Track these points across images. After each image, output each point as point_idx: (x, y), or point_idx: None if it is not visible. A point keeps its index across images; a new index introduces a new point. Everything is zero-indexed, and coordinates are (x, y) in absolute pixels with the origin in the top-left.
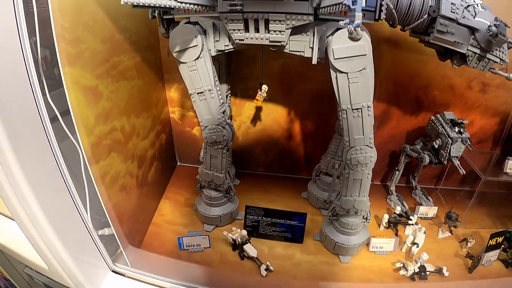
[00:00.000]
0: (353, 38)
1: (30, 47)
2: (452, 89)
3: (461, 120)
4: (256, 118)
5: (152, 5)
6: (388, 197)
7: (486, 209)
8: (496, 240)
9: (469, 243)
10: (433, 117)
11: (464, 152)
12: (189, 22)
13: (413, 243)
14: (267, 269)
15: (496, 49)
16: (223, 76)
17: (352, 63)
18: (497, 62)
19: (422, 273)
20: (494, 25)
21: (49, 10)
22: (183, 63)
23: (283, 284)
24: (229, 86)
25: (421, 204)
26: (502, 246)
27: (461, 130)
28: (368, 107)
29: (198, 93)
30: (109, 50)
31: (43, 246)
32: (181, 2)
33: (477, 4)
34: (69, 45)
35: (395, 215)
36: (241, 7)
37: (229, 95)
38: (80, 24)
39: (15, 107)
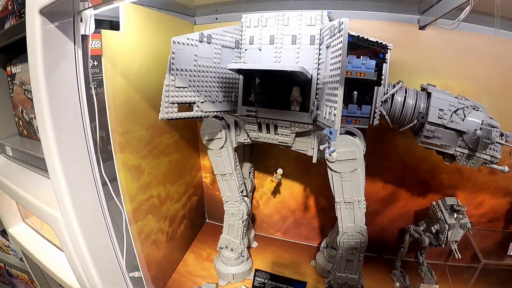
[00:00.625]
0: (328, 160)
1: (90, 129)
2: (460, 172)
3: (460, 208)
4: (275, 191)
5: (184, 117)
6: (393, 272)
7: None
8: None
9: None
10: (434, 203)
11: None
12: (216, 117)
13: None
14: None
15: (488, 148)
16: (247, 156)
17: (345, 165)
18: (487, 160)
19: None
20: (480, 128)
21: (105, 101)
22: (210, 149)
23: None
24: (252, 164)
25: (422, 281)
26: None
27: (460, 216)
28: (359, 201)
29: (221, 175)
30: (151, 135)
31: (83, 276)
32: (207, 112)
33: (467, 107)
34: (121, 137)
35: None
36: (255, 113)
37: (253, 171)
38: (129, 119)
39: (77, 172)
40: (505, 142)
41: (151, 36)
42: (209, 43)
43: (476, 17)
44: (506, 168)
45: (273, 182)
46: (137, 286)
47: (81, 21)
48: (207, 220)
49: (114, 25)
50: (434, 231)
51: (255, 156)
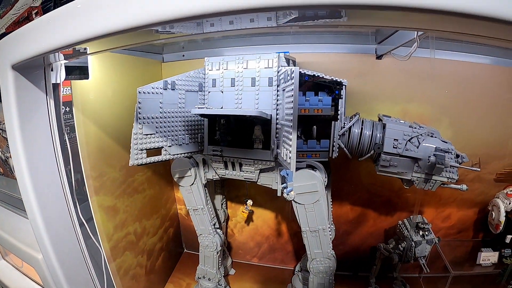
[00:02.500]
0: (286, 199)
1: (66, 173)
2: (424, 189)
3: (424, 225)
4: (249, 219)
5: (153, 162)
6: None
7: None
8: None
9: None
10: (400, 222)
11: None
12: (186, 156)
13: None
14: None
15: (443, 171)
16: (218, 188)
17: (307, 197)
18: (444, 181)
19: None
20: (434, 155)
21: (78, 146)
22: (181, 186)
23: None
24: (224, 196)
25: None
26: None
27: (426, 233)
28: (323, 229)
29: (193, 209)
30: (125, 175)
31: None
32: (175, 154)
33: (421, 134)
34: (95, 180)
35: None
36: (221, 152)
37: (225, 202)
38: (102, 162)
39: (55, 213)
40: (460, 163)
41: (120, 78)
42: (173, 89)
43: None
44: (464, 187)
45: (244, 213)
46: None
47: (52, 70)
48: (185, 250)
49: (83, 72)
50: (401, 248)
51: (226, 187)
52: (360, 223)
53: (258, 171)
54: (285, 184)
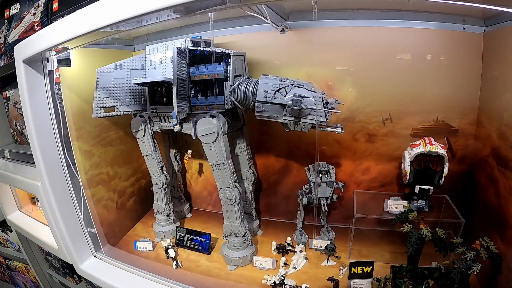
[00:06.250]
0: (175, 131)
1: (57, 128)
2: (338, 143)
3: (323, 169)
4: (200, 170)
5: (109, 115)
6: (294, 232)
7: (380, 245)
8: (363, 269)
9: (341, 270)
10: (306, 167)
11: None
12: (140, 116)
13: (294, 267)
14: (176, 265)
15: (309, 114)
16: (172, 143)
17: (209, 137)
18: (313, 123)
19: (283, 286)
20: (292, 99)
21: (64, 110)
22: (137, 138)
23: (181, 274)
24: (177, 150)
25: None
26: (378, 277)
27: (326, 176)
28: (223, 163)
29: (145, 155)
30: (99, 131)
31: (58, 235)
32: (123, 112)
33: (287, 86)
34: (76, 131)
35: (285, 243)
36: (156, 110)
37: (179, 155)
38: (81, 120)
39: (50, 153)
40: (332, 108)
41: (98, 65)
42: (121, 69)
43: (327, 14)
44: (339, 130)
45: (186, 160)
46: (94, 240)
47: (48, 61)
48: None
49: (67, 63)
50: (304, 190)
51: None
52: (286, 173)
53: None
54: (174, 122)
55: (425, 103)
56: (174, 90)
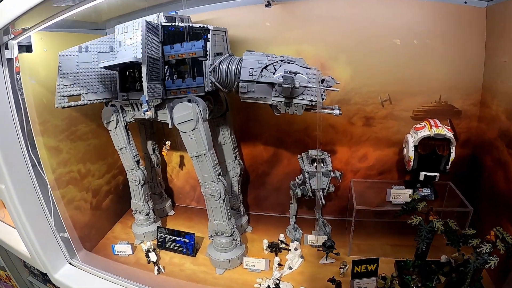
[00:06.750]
0: (145, 118)
1: (18, 120)
2: (333, 127)
3: (316, 157)
4: (182, 163)
5: (74, 105)
6: (287, 227)
7: (381, 238)
8: (367, 267)
9: (342, 269)
10: (298, 156)
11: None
12: (112, 105)
13: (289, 268)
14: (158, 270)
15: (302, 94)
16: (148, 135)
17: (187, 125)
18: (307, 104)
19: None
20: (282, 76)
21: (25, 101)
22: (109, 130)
23: (163, 280)
24: (154, 142)
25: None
26: (383, 274)
27: (322, 165)
28: (205, 154)
29: (119, 149)
30: (67, 124)
31: (28, 242)
32: (91, 100)
33: (276, 62)
34: (40, 125)
35: (278, 241)
36: (127, 97)
37: (157, 147)
38: (45, 112)
39: (10, 149)
40: (329, 87)
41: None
42: (87, 52)
43: None
44: (337, 111)
45: (164, 152)
46: (68, 245)
47: (7, 48)
48: None
49: (29, 49)
50: (297, 181)
51: (158, 134)
52: (275, 163)
53: (153, 108)
54: (145, 107)
55: (426, 82)
56: (144, 69)
